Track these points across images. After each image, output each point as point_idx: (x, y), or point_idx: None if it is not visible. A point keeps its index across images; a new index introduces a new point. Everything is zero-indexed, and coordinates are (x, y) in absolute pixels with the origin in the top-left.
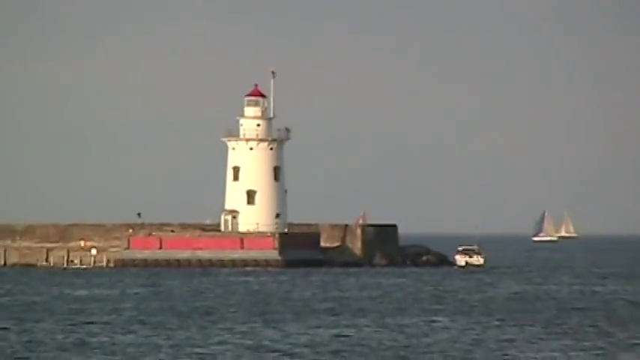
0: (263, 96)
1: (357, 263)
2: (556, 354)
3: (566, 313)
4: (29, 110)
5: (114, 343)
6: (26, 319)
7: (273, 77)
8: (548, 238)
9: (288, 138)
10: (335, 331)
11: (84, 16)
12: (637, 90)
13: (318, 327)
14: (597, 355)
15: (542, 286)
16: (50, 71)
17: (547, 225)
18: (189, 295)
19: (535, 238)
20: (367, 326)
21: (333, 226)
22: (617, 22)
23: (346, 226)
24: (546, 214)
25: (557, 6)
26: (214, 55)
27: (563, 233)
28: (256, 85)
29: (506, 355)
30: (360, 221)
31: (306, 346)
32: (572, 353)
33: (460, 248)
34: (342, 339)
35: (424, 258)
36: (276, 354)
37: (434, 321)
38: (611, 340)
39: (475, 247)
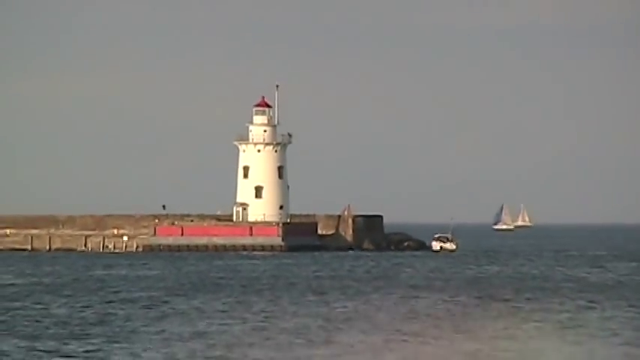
0: (269, 106)
1: (348, 248)
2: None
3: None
4: (71, 118)
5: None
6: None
7: (277, 90)
8: (505, 227)
9: (290, 142)
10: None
11: (107, 31)
12: (587, 89)
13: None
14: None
15: (504, 267)
16: (89, 81)
17: (505, 216)
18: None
19: (495, 227)
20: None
21: (329, 217)
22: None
23: (339, 216)
24: (504, 206)
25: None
26: (227, 71)
27: (519, 223)
28: (263, 97)
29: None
30: (346, 212)
31: (318, 315)
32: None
33: (436, 235)
34: (341, 310)
35: (405, 244)
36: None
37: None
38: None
39: (449, 235)
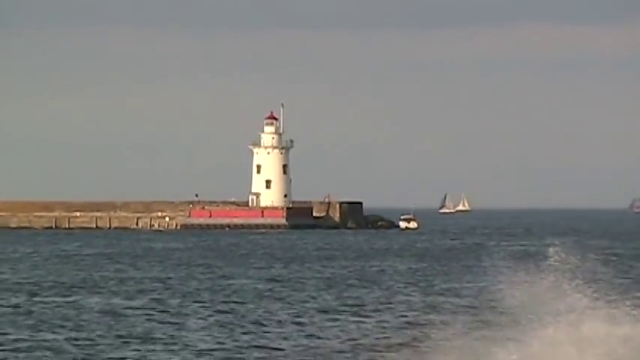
0: (276, 119)
1: (336, 227)
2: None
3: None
4: (132, 127)
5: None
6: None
7: (282, 107)
8: (448, 211)
9: (292, 146)
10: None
11: (131, 51)
12: (513, 93)
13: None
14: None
15: (455, 240)
16: (140, 97)
17: (448, 202)
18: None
19: (440, 211)
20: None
21: (321, 203)
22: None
23: (329, 202)
24: (447, 194)
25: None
26: (245, 93)
27: (460, 208)
28: (272, 112)
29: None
30: (326, 199)
31: (319, 276)
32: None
33: (402, 217)
34: (336, 272)
35: (380, 223)
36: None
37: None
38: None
39: (412, 216)
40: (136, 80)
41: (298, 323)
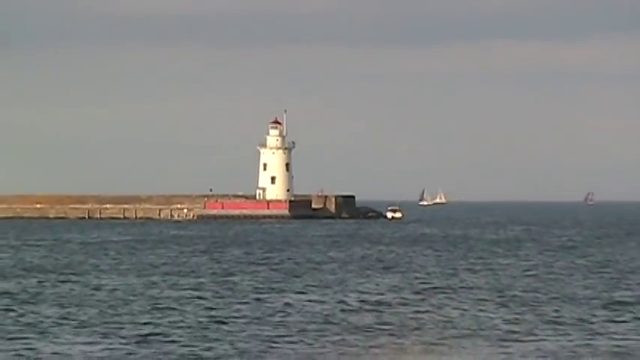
0: (280, 123)
1: (332, 217)
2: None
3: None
4: (154, 131)
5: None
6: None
7: (285, 113)
8: (427, 204)
9: (293, 147)
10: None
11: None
12: (485, 100)
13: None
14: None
15: (434, 228)
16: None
17: (426, 196)
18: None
19: (420, 203)
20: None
21: (320, 196)
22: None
23: (326, 196)
24: (425, 189)
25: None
26: (254, 101)
27: (437, 201)
28: (276, 118)
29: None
30: (319, 193)
31: (320, 260)
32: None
33: (389, 208)
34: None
35: (370, 214)
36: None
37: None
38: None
39: (397, 207)
40: (161, 90)
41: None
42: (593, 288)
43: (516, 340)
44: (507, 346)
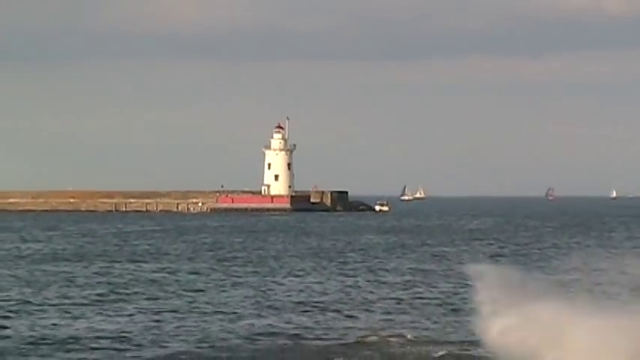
0: (282, 128)
1: (328, 210)
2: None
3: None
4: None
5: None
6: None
7: (287, 120)
8: (407, 198)
9: (294, 149)
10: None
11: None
12: (460, 107)
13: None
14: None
15: (420, 221)
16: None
17: (407, 191)
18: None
19: (401, 198)
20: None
21: (317, 191)
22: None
23: (323, 191)
24: (406, 185)
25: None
26: (260, 109)
27: (417, 195)
28: (279, 123)
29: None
30: (314, 188)
31: (317, 247)
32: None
33: (377, 202)
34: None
35: (361, 207)
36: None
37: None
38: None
39: (385, 201)
40: (180, 100)
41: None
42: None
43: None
44: None
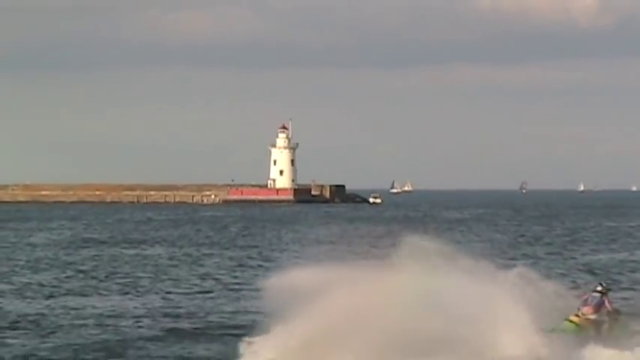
0: (286, 128)
1: (327, 202)
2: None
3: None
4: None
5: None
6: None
7: (291, 120)
8: (396, 191)
9: (297, 147)
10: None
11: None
12: (445, 110)
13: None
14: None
15: (409, 211)
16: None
17: (396, 184)
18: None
19: (390, 191)
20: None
21: (318, 185)
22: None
23: (322, 185)
24: (395, 179)
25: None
26: (266, 111)
27: (405, 189)
28: (284, 124)
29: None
30: (313, 182)
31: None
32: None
33: (372, 195)
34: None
35: (357, 199)
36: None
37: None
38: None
39: (377, 195)
40: (197, 103)
41: None
42: None
43: None
44: None
